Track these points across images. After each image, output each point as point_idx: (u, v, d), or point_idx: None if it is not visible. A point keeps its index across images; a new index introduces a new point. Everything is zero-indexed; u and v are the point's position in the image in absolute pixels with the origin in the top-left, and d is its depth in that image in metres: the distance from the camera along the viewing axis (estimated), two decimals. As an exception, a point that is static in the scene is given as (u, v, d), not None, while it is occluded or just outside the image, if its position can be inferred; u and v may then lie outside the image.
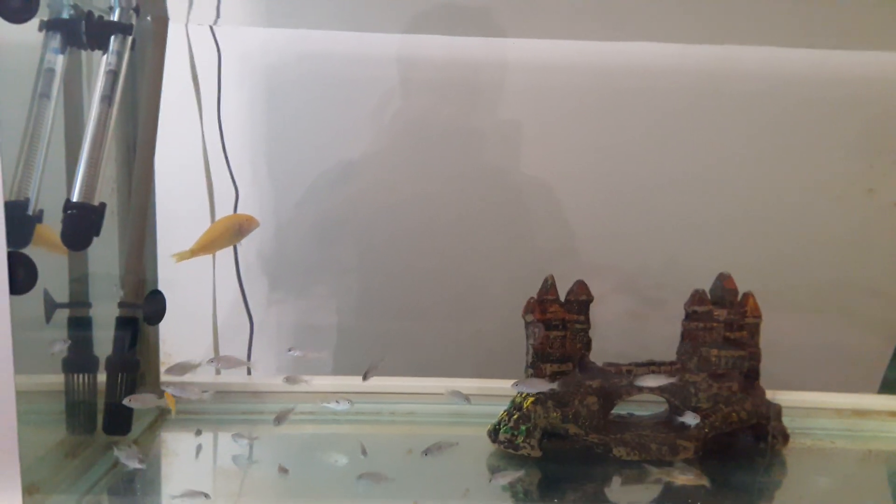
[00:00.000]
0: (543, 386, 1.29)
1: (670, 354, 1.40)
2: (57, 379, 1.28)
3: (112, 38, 1.24)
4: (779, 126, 1.78)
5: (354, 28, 1.71)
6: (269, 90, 1.75)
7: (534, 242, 1.82)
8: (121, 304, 1.35)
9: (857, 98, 1.75)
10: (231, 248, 1.72)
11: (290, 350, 1.58)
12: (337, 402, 1.42)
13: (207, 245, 1.32)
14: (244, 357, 1.76)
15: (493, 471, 1.27)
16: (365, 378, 1.35)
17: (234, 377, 1.67)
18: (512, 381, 1.33)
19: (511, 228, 1.82)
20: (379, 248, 1.82)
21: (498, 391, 1.50)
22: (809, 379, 1.64)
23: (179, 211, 1.61)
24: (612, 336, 1.47)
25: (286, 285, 1.84)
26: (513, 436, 1.33)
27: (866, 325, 1.80)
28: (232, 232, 1.29)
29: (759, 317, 1.37)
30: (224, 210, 1.69)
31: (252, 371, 1.70)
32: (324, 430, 1.51)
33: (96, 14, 1.25)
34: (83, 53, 1.28)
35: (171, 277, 1.55)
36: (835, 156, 1.78)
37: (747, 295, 1.38)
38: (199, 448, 1.41)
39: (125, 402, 1.25)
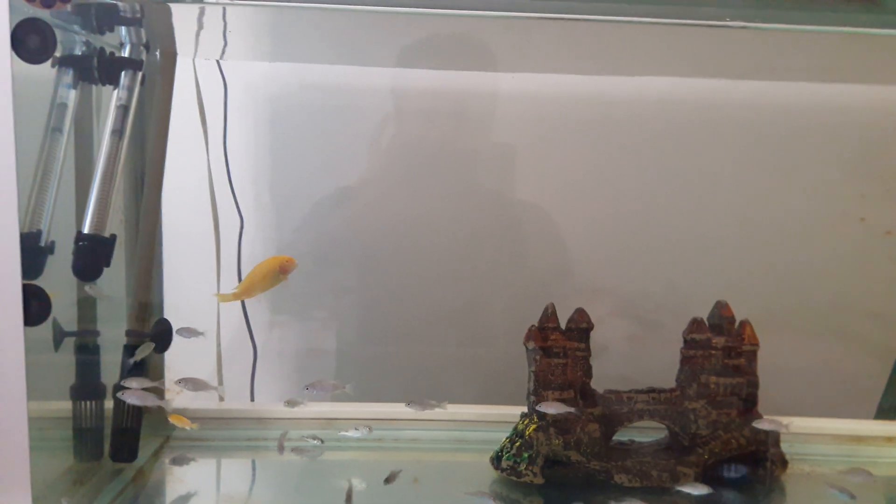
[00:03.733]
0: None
1: (670, 379, 1.42)
2: (65, 406, 1.30)
3: (123, 73, 1.28)
4: (773, 156, 1.80)
5: (353, 63, 1.75)
6: (272, 120, 1.78)
7: (534, 268, 1.84)
8: (128, 332, 1.37)
9: (849, 129, 1.78)
10: (236, 274, 1.74)
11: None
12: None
13: (249, 289, 1.35)
14: (215, 381, 1.75)
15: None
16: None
17: (237, 404, 1.69)
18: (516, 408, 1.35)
19: (512, 253, 1.84)
20: (380, 274, 1.84)
21: (500, 417, 1.52)
22: (806, 403, 1.65)
23: (186, 239, 1.64)
24: (612, 360, 1.49)
25: (288, 310, 1.85)
26: (515, 463, 1.34)
27: (862, 351, 1.82)
28: (273, 274, 1.32)
29: (756, 344, 1.39)
30: (229, 238, 1.72)
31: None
32: (327, 456, 1.52)
33: (108, 50, 1.28)
34: (94, 88, 1.32)
35: (176, 304, 1.57)
36: (828, 185, 1.81)
37: (744, 323, 1.40)
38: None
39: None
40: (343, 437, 1.48)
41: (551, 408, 1.31)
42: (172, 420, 1.39)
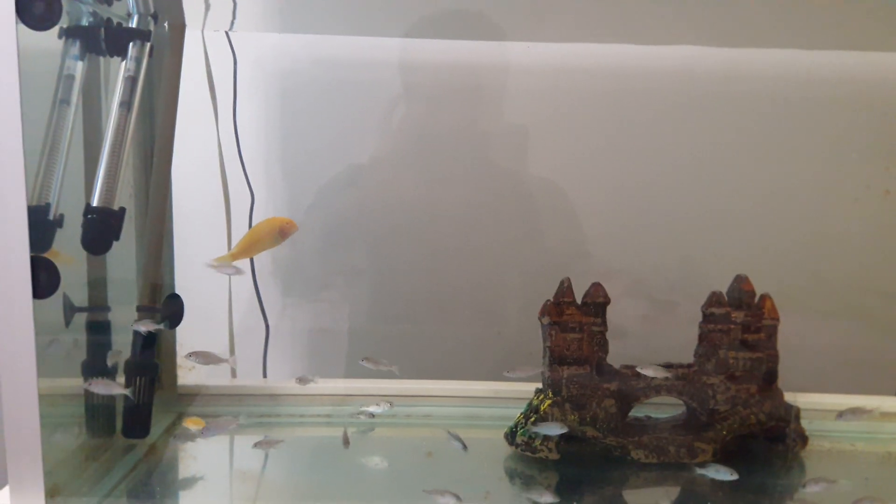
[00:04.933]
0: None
1: (687, 356, 1.39)
2: (76, 382, 1.29)
3: (131, 44, 1.26)
4: (795, 128, 1.77)
5: (365, 33, 1.72)
6: (282, 95, 1.76)
7: (548, 244, 1.82)
8: (139, 308, 1.36)
9: (874, 100, 1.74)
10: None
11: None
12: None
13: (247, 249, 1.32)
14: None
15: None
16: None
17: (250, 381, 1.68)
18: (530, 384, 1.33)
19: (525, 231, 1.82)
20: (393, 251, 1.83)
21: (514, 393, 1.51)
22: (826, 381, 1.63)
23: (196, 215, 1.62)
24: (627, 338, 1.47)
25: (300, 289, 1.84)
26: (530, 438, 1.32)
27: (883, 327, 1.79)
28: (272, 235, 1.29)
29: (776, 319, 1.36)
30: (240, 214, 1.70)
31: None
32: (339, 432, 1.51)
33: (115, 21, 1.26)
34: (101, 60, 1.30)
35: (188, 281, 1.56)
36: (851, 157, 1.77)
37: (764, 297, 1.37)
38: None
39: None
40: (364, 413, 1.47)
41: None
42: (188, 424, 1.38)
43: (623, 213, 1.80)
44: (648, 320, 1.77)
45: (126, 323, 1.34)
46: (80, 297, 1.28)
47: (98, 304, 1.34)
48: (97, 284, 1.34)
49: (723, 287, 1.40)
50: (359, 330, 1.83)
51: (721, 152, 1.78)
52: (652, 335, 1.73)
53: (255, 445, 1.34)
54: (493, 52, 1.75)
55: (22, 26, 0.99)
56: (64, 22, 1.19)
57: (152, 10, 1.30)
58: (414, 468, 1.32)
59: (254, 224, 1.72)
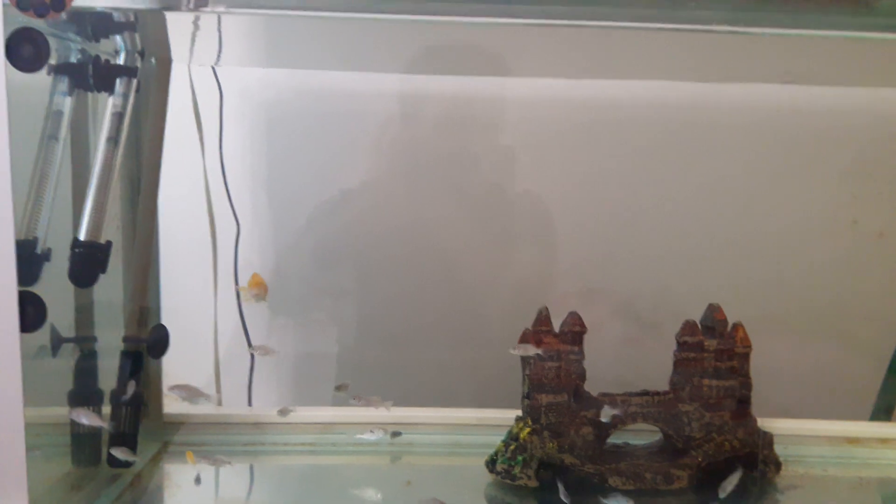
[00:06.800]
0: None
1: (663, 382, 1.42)
2: (62, 411, 1.31)
3: (118, 80, 1.28)
4: (766, 158, 1.81)
5: (346, 69, 1.75)
6: (268, 126, 1.79)
7: (531, 271, 1.85)
8: (125, 338, 1.38)
9: (840, 131, 1.79)
10: (233, 278, 1.75)
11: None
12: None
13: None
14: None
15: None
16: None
17: (235, 409, 1.69)
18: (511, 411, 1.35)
19: (508, 257, 1.85)
20: (376, 279, 1.85)
21: (495, 421, 1.53)
22: (801, 405, 1.66)
23: (182, 245, 1.65)
24: (607, 363, 1.49)
25: (286, 315, 1.86)
26: (510, 466, 1.34)
27: (856, 353, 1.83)
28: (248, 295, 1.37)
29: (748, 346, 1.39)
30: (226, 244, 1.73)
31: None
32: (323, 461, 1.53)
33: (103, 58, 1.29)
34: (89, 95, 1.32)
35: (174, 308, 1.58)
36: (820, 188, 1.82)
37: (737, 325, 1.40)
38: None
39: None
40: (359, 441, 1.48)
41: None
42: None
43: (604, 242, 1.84)
44: (629, 345, 1.80)
45: (112, 352, 1.35)
46: (67, 326, 1.30)
47: (84, 335, 1.36)
48: (84, 314, 1.36)
49: (699, 314, 1.43)
50: (343, 357, 1.85)
51: (696, 183, 1.82)
52: (632, 360, 1.76)
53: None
54: (475, 85, 1.79)
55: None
56: (52, 59, 1.21)
57: (139, 47, 1.33)
58: (392, 497, 1.33)
59: (239, 253, 1.75)
